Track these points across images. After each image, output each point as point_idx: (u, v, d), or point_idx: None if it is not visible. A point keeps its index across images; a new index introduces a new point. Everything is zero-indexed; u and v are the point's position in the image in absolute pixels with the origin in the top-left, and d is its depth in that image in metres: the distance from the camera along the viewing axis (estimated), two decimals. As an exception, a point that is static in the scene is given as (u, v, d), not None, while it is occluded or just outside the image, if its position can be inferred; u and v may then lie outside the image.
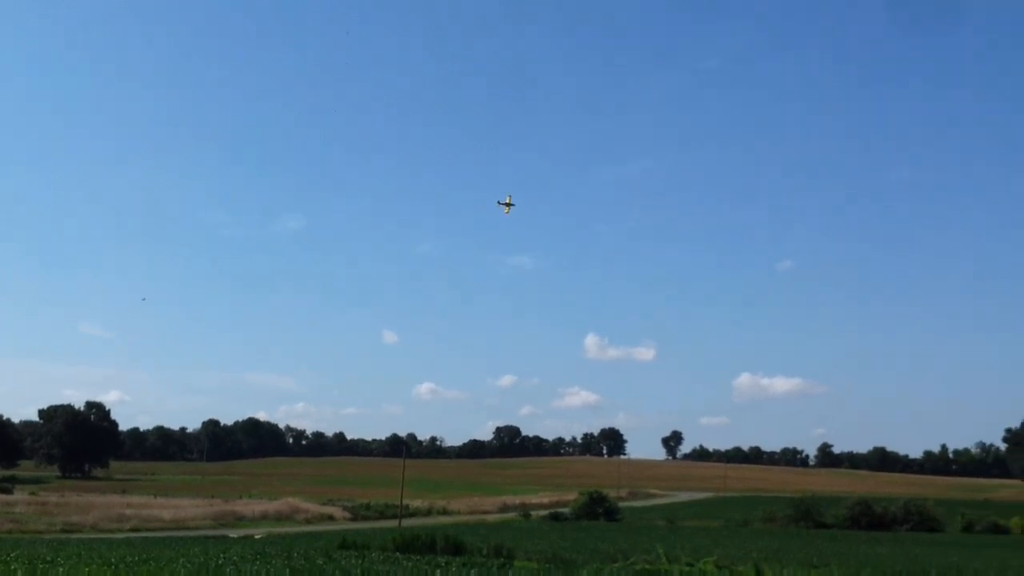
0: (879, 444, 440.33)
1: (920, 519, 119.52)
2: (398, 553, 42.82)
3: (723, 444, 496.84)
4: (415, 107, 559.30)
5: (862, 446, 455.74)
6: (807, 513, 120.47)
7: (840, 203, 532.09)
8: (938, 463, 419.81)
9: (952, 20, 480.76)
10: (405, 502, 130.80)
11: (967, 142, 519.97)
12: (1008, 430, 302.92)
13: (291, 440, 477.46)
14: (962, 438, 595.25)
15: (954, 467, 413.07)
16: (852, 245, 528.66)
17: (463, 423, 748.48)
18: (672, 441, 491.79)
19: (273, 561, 34.56)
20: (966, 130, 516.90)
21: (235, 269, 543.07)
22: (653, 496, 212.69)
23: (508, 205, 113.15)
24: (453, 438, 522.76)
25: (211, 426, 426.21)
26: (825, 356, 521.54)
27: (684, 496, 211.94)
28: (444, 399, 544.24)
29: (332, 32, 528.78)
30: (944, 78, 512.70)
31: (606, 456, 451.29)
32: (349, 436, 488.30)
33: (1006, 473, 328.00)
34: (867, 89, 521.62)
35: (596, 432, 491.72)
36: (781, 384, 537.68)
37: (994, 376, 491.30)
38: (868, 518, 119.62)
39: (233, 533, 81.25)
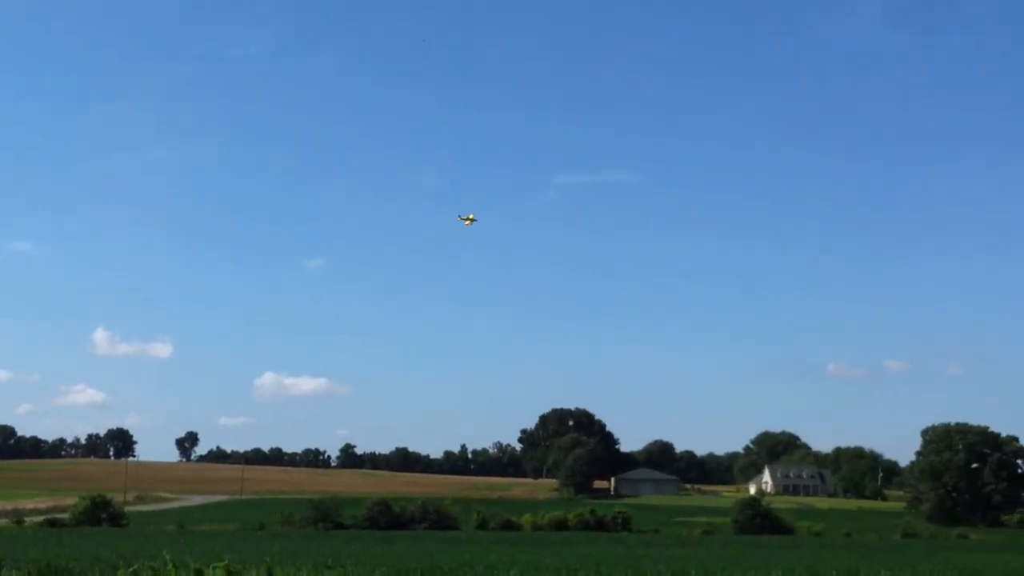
0: (401, 445, 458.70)
1: (437, 517, 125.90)
2: None
3: (243, 445, 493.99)
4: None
5: (385, 447, 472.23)
6: (326, 514, 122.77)
7: (373, 203, 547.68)
8: (457, 463, 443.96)
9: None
10: None
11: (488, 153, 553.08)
12: (523, 431, 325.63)
13: None
14: (481, 438, 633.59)
15: (472, 467, 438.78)
16: (381, 245, 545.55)
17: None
18: (187, 442, 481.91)
19: None
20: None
21: None
22: (165, 500, 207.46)
23: (470, 220, 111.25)
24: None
25: None
26: (351, 356, 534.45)
27: (198, 500, 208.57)
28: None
29: None
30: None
31: (113, 458, 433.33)
32: None
33: (521, 472, 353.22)
34: (393, 90, 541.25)
35: (103, 432, 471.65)
36: (306, 384, 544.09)
37: (514, 377, 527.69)
38: (387, 518, 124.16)
39: None
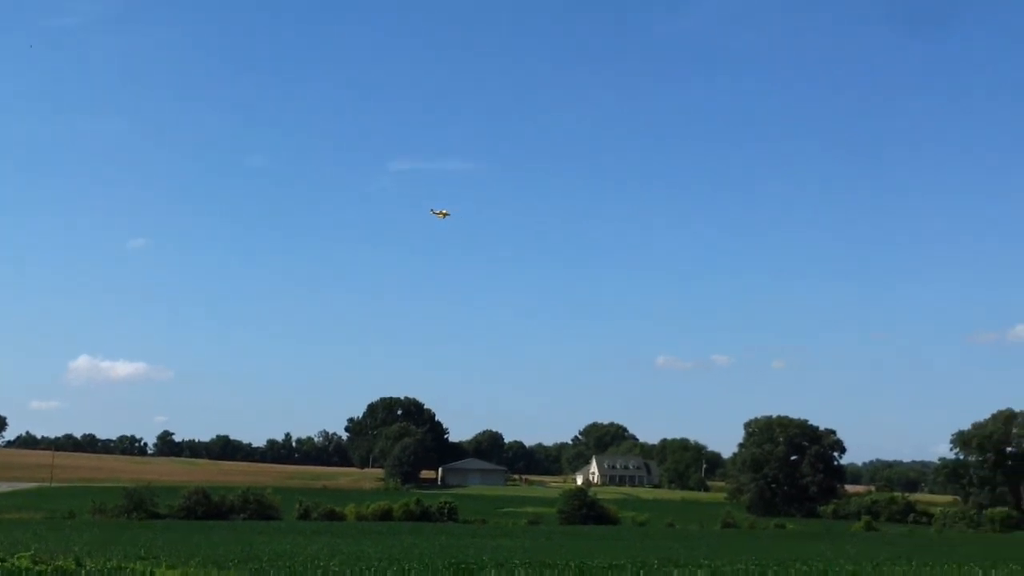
0: (222, 432, 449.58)
1: (258, 507, 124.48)
2: None
3: (54, 431, 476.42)
4: None
5: (205, 434, 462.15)
6: (141, 503, 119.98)
7: (200, 183, 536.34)
8: (281, 452, 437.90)
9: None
10: None
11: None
12: (350, 419, 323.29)
13: None
14: (306, 427, 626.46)
15: (297, 455, 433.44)
16: (207, 226, 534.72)
17: None
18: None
19: None
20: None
21: None
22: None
23: (443, 214, 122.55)
24: None
25: None
26: (171, 340, 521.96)
27: (5, 487, 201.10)
28: None
29: None
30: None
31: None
32: None
33: (347, 461, 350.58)
34: (222, 68, 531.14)
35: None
36: (123, 368, 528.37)
37: (342, 365, 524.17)
38: (205, 507, 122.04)
39: None
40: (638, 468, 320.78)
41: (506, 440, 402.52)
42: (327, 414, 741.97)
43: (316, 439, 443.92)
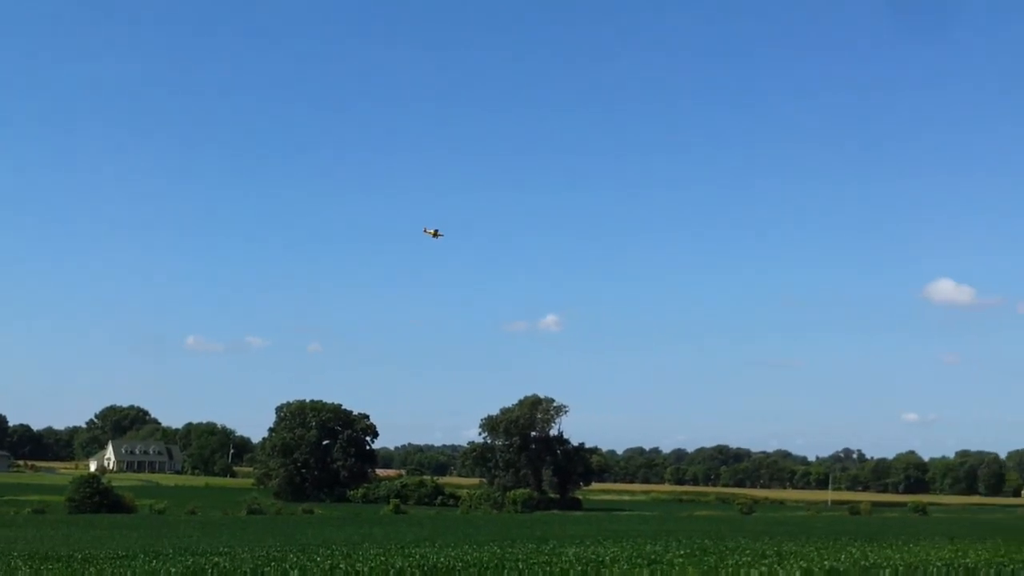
0: None
1: None
2: None
3: None
4: None
5: None
6: None
7: None
8: None
9: None
10: None
11: None
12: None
13: None
14: None
15: None
16: None
17: None
18: None
19: None
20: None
21: None
22: None
23: (435, 234, 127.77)
24: None
25: None
26: None
27: None
28: None
29: None
30: None
31: None
32: None
33: None
34: None
35: None
36: None
37: None
38: None
39: None
40: (159, 453, 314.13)
41: (10, 423, 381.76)
42: None
43: None
